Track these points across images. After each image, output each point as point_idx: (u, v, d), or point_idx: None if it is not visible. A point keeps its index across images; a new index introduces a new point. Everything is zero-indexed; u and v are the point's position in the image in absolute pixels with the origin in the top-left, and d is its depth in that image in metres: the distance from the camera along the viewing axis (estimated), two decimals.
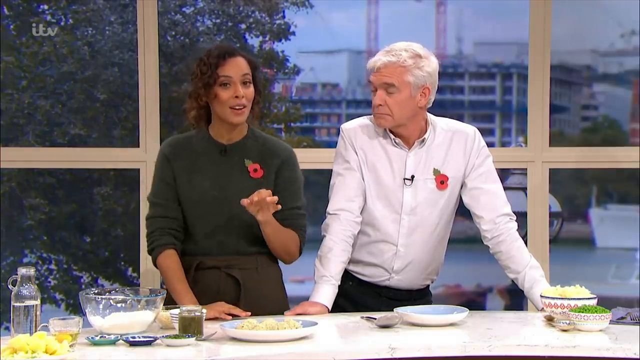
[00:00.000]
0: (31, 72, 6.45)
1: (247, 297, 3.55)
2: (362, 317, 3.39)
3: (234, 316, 3.37)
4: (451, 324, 3.30)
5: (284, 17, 6.66)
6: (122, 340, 3.00)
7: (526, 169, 4.92)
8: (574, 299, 3.28)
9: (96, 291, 3.17)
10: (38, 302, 3.02)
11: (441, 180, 3.67)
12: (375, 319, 3.29)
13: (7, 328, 5.47)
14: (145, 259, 4.65)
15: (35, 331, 2.94)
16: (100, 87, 6.50)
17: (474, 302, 7.91)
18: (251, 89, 3.55)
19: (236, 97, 3.51)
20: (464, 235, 5.87)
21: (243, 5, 6.68)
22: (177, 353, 2.90)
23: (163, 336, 2.99)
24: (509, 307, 7.45)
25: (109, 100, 6.52)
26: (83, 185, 6.82)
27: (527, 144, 4.94)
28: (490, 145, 3.88)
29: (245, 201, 3.39)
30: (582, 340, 3.08)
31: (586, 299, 3.29)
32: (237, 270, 3.57)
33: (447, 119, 3.77)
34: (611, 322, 3.24)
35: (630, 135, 7.85)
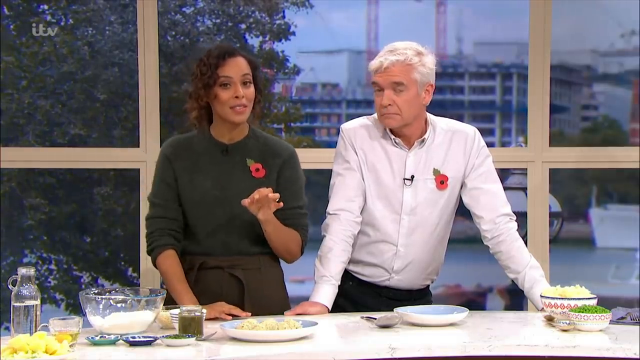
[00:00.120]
0: (31, 72, 6.45)
1: (250, 298, 3.55)
2: (362, 317, 3.39)
3: (234, 316, 3.37)
4: (451, 324, 3.30)
5: (284, 17, 6.66)
6: (122, 340, 2.99)
7: (526, 169, 4.92)
8: (574, 299, 3.28)
9: (96, 291, 3.17)
10: (38, 302, 3.02)
11: (441, 180, 3.67)
12: (375, 319, 3.29)
13: (7, 328, 5.47)
14: (145, 259, 4.65)
15: (35, 331, 2.94)
16: (100, 87, 6.51)
17: (474, 302, 7.91)
18: (251, 89, 3.55)
19: (236, 97, 3.51)
20: (464, 235, 5.87)
21: (243, 5, 6.68)
22: (177, 353, 2.90)
23: (163, 336, 2.99)
24: (509, 307, 7.45)
25: (109, 100, 6.52)
26: (83, 185, 6.83)
27: (527, 144, 4.94)
28: (490, 145, 3.88)
29: (245, 201, 3.38)
30: (582, 340, 3.08)
31: (586, 299, 3.29)
32: (240, 271, 3.56)
33: (446, 119, 3.77)
34: (611, 322, 3.24)
35: (630, 135, 7.85)
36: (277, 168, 3.60)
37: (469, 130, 3.73)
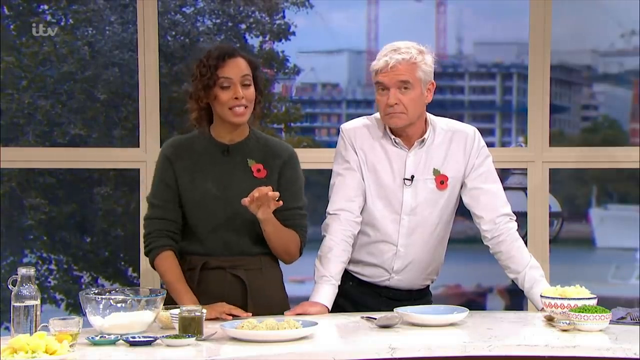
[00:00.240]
0: (31, 72, 6.45)
1: (253, 298, 3.55)
2: (362, 317, 3.39)
3: (235, 316, 3.37)
4: (451, 324, 3.30)
5: (284, 17, 6.66)
6: (122, 340, 3.00)
7: (526, 169, 4.92)
8: (574, 299, 3.28)
9: (96, 291, 3.17)
10: (38, 302, 3.02)
11: (441, 181, 3.67)
12: (375, 319, 3.29)
13: (7, 328, 5.47)
14: (145, 259, 4.63)
15: (35, 331, 2.94)
16: (100, 87, 6.51)
17: (474, 302, 7.91)
18: (251, 89, 3.55)
19: (236, 98, 3.51)
20: (464, 235, 5.87)
21: (243, 5, 6.68)
22: (177, 353, 2.90)
23: (163, 336, 2.99)
24: (509, 307, 7.45)
25: (109, 100, 6.52)
26: (83, 185, 6.83)
27: (527, 144, 4.94)
28: (490, 145, 3.88)
29: (245, 200, 3.38)
30: (582, 340, 3.08)
31: (586, 299, 3.29)
32: (243, 271, 3.56)
33: (446, 119, 3.77)
34: (611, 322, 3.24)
35: (630, 135, 7.85)
36: (278, 169, 3.60)
37: (469, 130, 3.73)
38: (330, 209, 3.68)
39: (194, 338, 2.99)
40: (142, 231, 3.67)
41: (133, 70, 5.42)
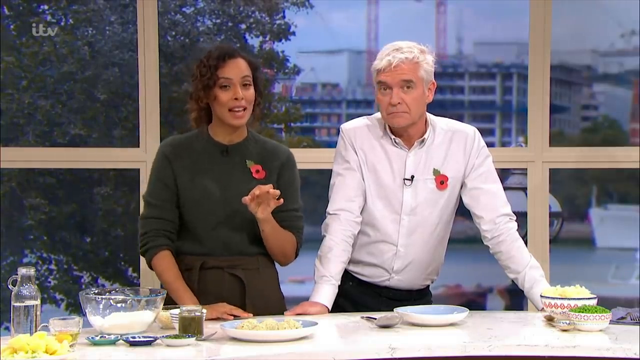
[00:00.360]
0: (31, 72, 6.45)
1: (251, 298, 3.55)
2: (362, 317, 3.39)
3: (236, 317, 3.37)
4: (451, 324, 3.30)
5: (284, 17, 6.66)
6: (122, 340, 3.00)
7: (526, 169, 4.92)
8: (574, 299, 3.28)
9: (96, 291, 3.17)
10: (38, 302, 3.02)
11: (441, 181, 3.67)
12: (375, 319, 3.29)
13: (7, 328, 5.48)
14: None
15: (36, 331, 2.94)
16: (100, 87, 6.50)
17: (474, 302, 7.91)
18: (251, 90, 3.55)
19: (236, 99, 3.51)
20: (464, 235, 5.87)
21: (243, 5, 6.68)
22: (177, 353, 2.90)
23: (163, 336, 2.99)
24: (509, 307, 7.45)
25: (109, 100, 6.52)
26: (83, 185, 6.82)
27: (527, 144, 4.94)
28: (490, 145, 3.88)
29: (246, 198, 3.38)
30: (582, 340, 3.08)
31: (586, 299, 3.29)
32: (241, 271, 3.56)
33: (446, 119, 3.77)
34: (611, 322, 3.24)
35: (630, 135, 7.85)
36: (276, 170, 3.60)
37: (469, 130, 3.73)
38: (330, 209, 3.68)
39: (194, 338, 2.99)
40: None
41: (133, 70, 5.42)
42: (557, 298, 3.30)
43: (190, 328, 3.03)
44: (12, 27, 6.36)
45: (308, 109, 7.52)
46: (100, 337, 3.01)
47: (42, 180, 6.75)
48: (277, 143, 3.72)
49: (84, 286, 6.84)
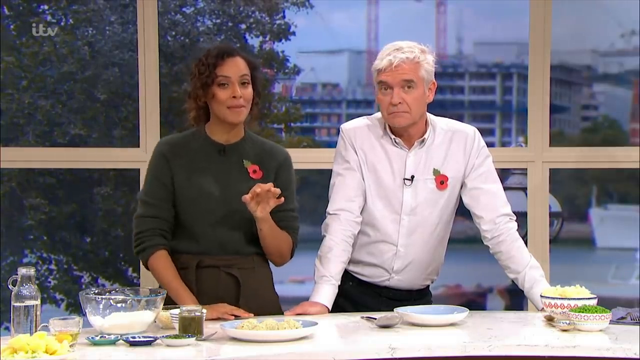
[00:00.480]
0: (31, 72, 6.46)
1: (246, 297, 3.54)
2: (362, 317, 3.39)
3: (236, 317, 3.37)
4: (451, 324, 3.30)
5: (284, 17, 6.67)
6: (122, 340, 2.99)
7: (526, 169, 4.92)
8: (574, 299, 3.28)
9: (96, 291, 3.17)
10: (38, 302, 3.02)
11: (441, 181, 3.67)
12: (375, 319, 3.29)
13: (7, 328, 5.48)
14: None
15: (36, 331, 2.94)
16: (100, 87, 6.51)
17: (474, 302, 7.92)
18: (249, 89, 3.55)
19: (234, 97, 3.50)
20: (464, 235, 5.87)
21: (243, 5, 6.69)
22: (177, 353, 2.90)
23: (163, 336, 2.99)
24: (509, 307, 7.45)
25: (109, 100, 6.52)
26: (83, 185, 6.83)
27: (527, 144, 4.94)
28: (490, 145, 3.88)
29: (247, 197, 3.38)
30: (582, 340, 3.08)
31: (586, 299, 3.29)
32: (237, 270, 3.56)
33: (446, 119, 3.77)
34: (611, 322, 3.24)
35: (630, 135, 7.85)
36: (274, 170, 3.60)
37: (469, 130, 3.73)
38: (330, 209, 3.68)
39: (194, 338, 2.99)
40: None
41: (133, 70, 5.42)
42: (557, 298, 3.30)
43: (190, 328, 3.03)
44: (12, 27, 6.37)
45: (308, 109, 7.52)
46: (100, 337, 3.01)
47: (42, 180, 6.76)
48: (274, 144, 3.71)
49: (84, 286, 6.84)
